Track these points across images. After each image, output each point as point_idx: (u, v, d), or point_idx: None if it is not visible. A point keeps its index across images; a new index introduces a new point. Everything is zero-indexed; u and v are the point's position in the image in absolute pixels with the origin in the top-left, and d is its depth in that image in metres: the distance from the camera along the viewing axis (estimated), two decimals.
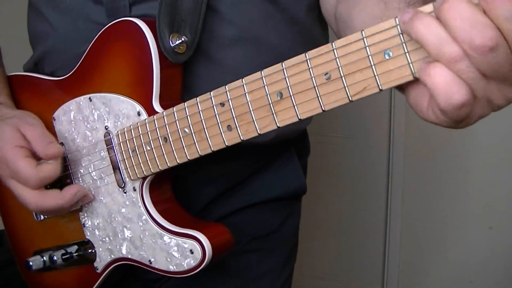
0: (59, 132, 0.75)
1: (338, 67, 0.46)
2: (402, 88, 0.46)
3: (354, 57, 0.45)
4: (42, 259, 0.76)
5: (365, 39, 0.44)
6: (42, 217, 0.80)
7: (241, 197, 0.79)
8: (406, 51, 0.42)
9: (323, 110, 0.49)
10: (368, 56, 0.44)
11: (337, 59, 0.46)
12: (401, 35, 0.42)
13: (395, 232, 2.07)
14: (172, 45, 0.63)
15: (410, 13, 0.41)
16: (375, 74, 0.44)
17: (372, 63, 0.44)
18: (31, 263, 0.77)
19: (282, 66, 0.50)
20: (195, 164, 0.63)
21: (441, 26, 0.39)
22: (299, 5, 0.74)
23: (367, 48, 0.44)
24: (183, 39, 0.63)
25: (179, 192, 0.72)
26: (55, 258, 0.75)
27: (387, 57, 0.43)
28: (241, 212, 0.78)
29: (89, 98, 0.70)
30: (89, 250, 0.75)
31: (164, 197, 0.70)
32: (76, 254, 0.75)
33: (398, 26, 0.42)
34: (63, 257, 0.75)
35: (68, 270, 0.79)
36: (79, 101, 0.71)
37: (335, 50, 0.46)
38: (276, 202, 0.82)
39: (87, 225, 0.74)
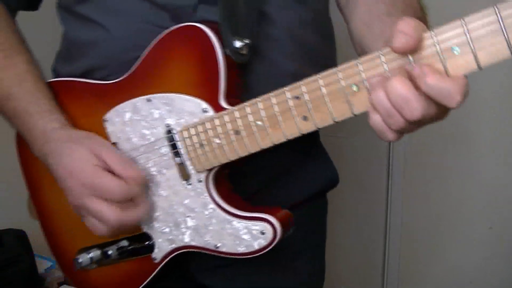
0: (111, 133, 0.82)
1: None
2: None
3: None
4: (91, 255, 0.83)
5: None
6: None
7: (289, 193, 0.89)
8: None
9: None
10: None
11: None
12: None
13: (395, 232, 2.12)
14: (236, 46, 0.72)
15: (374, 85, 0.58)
16: None
17: None
18: (80, 261, 0.83)
19: (357, 62, 0.60)
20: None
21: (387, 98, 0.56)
22: (323, 5, 0.87)
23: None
24: (245, 41, 0.72)
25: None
26: (110, 252, 0.83)
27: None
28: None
29: (147, 99, 0.77)
30: (146, 242, 0.83)
31: (226, 187, 0.79)
32: (132, 247, 0.83)
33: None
34: (119, 250, 0.83)
35: (119, 265, 0.86)
36: (135, 102, 0.79)
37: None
38: (316, 196, 0.96)
39: (145, 219, 0.81)
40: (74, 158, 0.76)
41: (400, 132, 0.60)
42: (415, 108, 0.55)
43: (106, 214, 0.75)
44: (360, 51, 0.77)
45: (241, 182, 0.82)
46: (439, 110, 0.56)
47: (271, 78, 0.78)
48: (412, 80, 0.55)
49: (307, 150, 0.92)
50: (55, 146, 0.79)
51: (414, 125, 0.58)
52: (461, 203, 1.96)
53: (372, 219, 2.17)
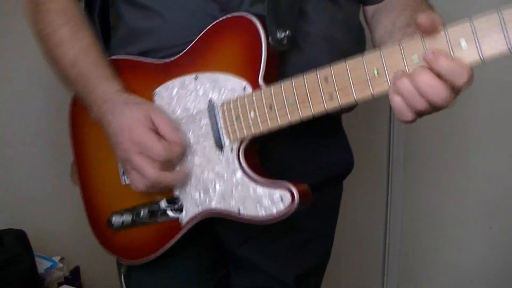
0: (159, 105, 0.95)
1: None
2: None
3: None
4: (123, 217, 0.95)
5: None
6: (128, 181, 0.98)
7: (310, 173, 1.01)
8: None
9: None
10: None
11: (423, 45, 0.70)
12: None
13: (395, 232, 2.15)
14: (279, 37, 0.86)
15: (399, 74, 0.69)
16: None
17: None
18: (113, 221, 0.96)
19: (380, 50, 0.73)
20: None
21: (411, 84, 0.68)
22: (355, 10, 1.02)
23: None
24: (286, 33, 0.86)
25: None
26: (141, 214, 0.94)
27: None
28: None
29: (195, 76, 0.91)
30: (175, 206, 0.94)
31: (254, 159, 0.91)
32: (162, 209, 0.94)
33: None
34: (150, 212, 0.94)
35: (147, 227, 0.97)
36: (183, 79, 0.92)
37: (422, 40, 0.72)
38: (333, 180, 1.09)
39: (178, 184, 0.93)
40: (129, 117, 0.89)
41: (419, 114, 0.71)
42: (439, 92, 0.67)
43: (147, 170, 0.87)
44: None
45: (264, 165, 0.93)
46: (452, 93, 0.69)
47: (303, 69, 0.91)
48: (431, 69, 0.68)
49: (329, 133, 1.05)
50: (113, 105, 0.91)
51: (433, 108, 0.70)
52: (461, 203, 1.99)
53: (372, 219, 2.19)
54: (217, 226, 1.03)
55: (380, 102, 2.16)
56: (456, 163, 2.00)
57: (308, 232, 1.08)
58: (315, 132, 0.98)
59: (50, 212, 1.86)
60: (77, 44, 0.97)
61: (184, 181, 0.93)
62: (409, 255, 2.15)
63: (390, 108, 2.31)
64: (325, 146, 1.05)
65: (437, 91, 0.67)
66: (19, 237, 1.65)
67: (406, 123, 0.73)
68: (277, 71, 0.88)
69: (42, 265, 1.73)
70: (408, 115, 0.71)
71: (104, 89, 0.93)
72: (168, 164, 0.90)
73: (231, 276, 1.13)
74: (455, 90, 0.68)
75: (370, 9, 1.03)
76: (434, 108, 0.70)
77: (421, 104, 0.69)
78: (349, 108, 1.04)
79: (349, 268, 2.29)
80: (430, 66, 0.67)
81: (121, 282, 1.11)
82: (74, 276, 1.82)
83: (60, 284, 1.72)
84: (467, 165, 1.98)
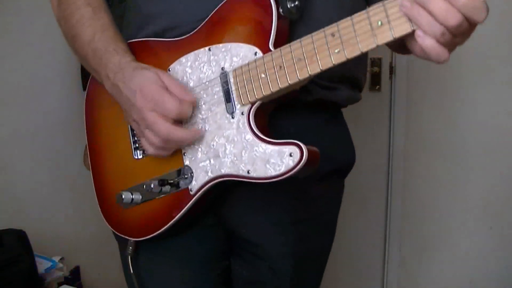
0: None
1: None
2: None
3: None
4: (132, 195, 0.99)
5: None
6: (140, 155, 1.04)
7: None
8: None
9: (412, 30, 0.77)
10: None
11: None
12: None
13: (395, 232, 2.19)
14: (289, 6, 0.91)
15: (407, 1, 0.72)
16: None
17: None
18: (123, 197, 0.99)
19: (382, 3, 0.77)
20: (274, 119, 0.92)
21: (427, 13, 0.71)
22: (360, 5, 1.06)
23: None
24: (296, 3, 0.92)
25: None
26: (152, 186, 0.98)
27: None
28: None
29: (209, 48, 0.97)
30: (185, 176, 0.98)
31: (264, 123, 0.95)
32: (171, 180, 0.99)
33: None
34: (160, 182, 0.98)
35: (156, 201, 1.01)
36: (197, 52, 0.98)
37: None
38: (338, 173, 1.14)
39: (188, 153, 0.98)
40: (143, 78, 0.94)
41: (450, 46, 0.75)
42: (456, 16, 0.70)
43: (159, 126, 0.92)
44: None
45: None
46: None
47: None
48: None
49: (332, 124, 1.11)
50: (123, 74, 0.97)
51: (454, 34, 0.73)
52: (461, 203, 2.03)
53: (372, 219, 2.22)
54: (221, 209, 1.07)
55: (380, 101, 2.21)
56: (456, 163, 2.03)
57: (309, 222, 1.12)
58: (319, 121, 1.05)
59: (50, 212, 1.89)
60: (96, 22, 1.03)
61: (195, 139, 0.97)
62: (408, 255, 2.18)
63: (390, 107, 2.33)
64: (329, 136, 1.09)
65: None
66: (19, 237, 1.66)
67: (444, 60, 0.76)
68: (287, 40, 0.93)
69: (42, 265, 1.75)
70: (444, 53, 0.75)
71: (117, 61, 0.98)
72: (180, 125, 0.95)
73: (232, 269, 1.16)
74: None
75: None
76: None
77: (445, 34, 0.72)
78: (354, 99, 1.10)
79: (349, 268, 2.32)
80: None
81: (127, 263, 1.12)
82: (74, 276, 1.84)
83: (60, 284, 1.74)
84: (467, 165, 2.02)
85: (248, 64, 0.92)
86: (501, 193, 1.98)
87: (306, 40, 0.86)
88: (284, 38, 0.93)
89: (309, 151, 0.88)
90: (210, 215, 1.08)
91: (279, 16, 0.91)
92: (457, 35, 0.74)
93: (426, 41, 0.74)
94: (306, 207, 1.09)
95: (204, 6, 0.98)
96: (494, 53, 1.97)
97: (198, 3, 1.00)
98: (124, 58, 0.99)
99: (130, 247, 1.10)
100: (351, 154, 1.16)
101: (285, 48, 0.88)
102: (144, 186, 1.00)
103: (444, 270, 2.12)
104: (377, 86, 2.34)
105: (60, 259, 1.79)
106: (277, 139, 0.90)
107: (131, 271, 1.11)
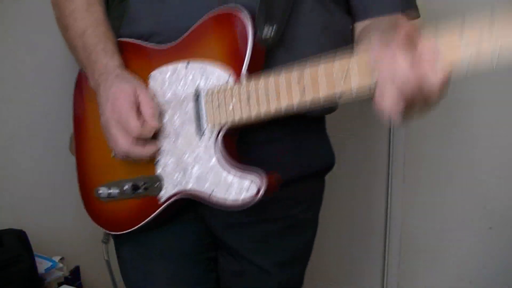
0: (152, 87, 1.02)
1: None
2: None
3: None
4: (110, 189, 1.04)
5: None
6: None
7: (288, 168, 1.06)
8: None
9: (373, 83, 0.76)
10: None
11: None
12: None
13: (395, 232, 2.16)
14: (265, 33, 0.92)
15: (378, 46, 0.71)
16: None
17: None
18: (100, 191, 1.04)
19: (350, 54, 0.78)
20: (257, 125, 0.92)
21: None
22: (347, 22, 1.07)
23: None
24: (273, 27, 0.92)
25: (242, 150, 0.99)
26: (125, 188, 1.02)
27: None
28: (289, 184, 1.05)
29: (187, 63, 0.98)
30: (157, 184, 1.01)
31: (232, 147, 0.97)
32: (144, 186, 1.02)
33: None
34: (133, 186, 1.01)
35: (129, 201, 1.05)
36: (177, 65, 0.99)
37: None
38: (316, 175, 1.15)
39: (160, 163, 1.01)
40: (119, 90, 0.97)
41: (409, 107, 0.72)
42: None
43: (120, 141, 0.96)
44: None
45: (245, 158, 0.99)
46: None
47: (289, 63, 0.97)
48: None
49: (311, 133, 1.11)
50: (106, 77, 1.00)
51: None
52: (461, 203, 2.00)
53: (372, 219, 2.20)
54: (203, 211, 1.10)
55: None
56: (456, 163, 2.02)
57: (290, 220, 1.14)
58: (298, 130, 1.06)
59: (50, 212, 1.90)
60: (88, 16, 1.06)
61: (165, 161, 1.01)
62: (409, 255, 2.16)
63: None
64: (306, 145, 1.10)
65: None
66: (19, 237, 1.68)
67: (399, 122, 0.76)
68: (263, 66, 0.95)
69: (42, 265, 1.76)
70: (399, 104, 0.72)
71: (105, 62, 1.01)
72: (140, 141, 0.98)
73: (218, 261, 1.20)
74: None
75: (358, 27, 1.06)
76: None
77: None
78: (330, 109, 1.10)
79: (349, 268, 2.32)
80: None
81: (103, 249, 1.20)
82: (74, 276, 1.86)
83: (60, 284, 1.75)
84: (467, 165, 2.00)
85: (220, 87, 0.93)
86: (501, 193, 1.96)
87: (276, 76, 0.87)
88: (260, 63, 0.95)
89: (268, 182, 0.90)
90: (190, 211, 1.10)
91: (254, 42, 0.92)
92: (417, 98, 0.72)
93: (387, 90, 0.73)
94: (285, 208, 1.12)
95: (189, 16, 1.00)
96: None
97: (183, 11, 1.02)
98: (112, 61, 1.02)
99: (105, 235, 1.17)
100: (330, 159, 1.17)
101: (257, 80, 0.89)
102: (120, 186, 1.04)
103: (444, 270, 2.11)
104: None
105: (60, 259, 1.80)
106: (247, 153, 0.96)
107: (105, 258, 1.19)
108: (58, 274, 1.77)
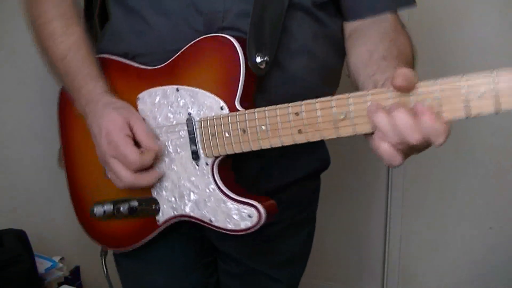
0: (141, 110, 1.01)
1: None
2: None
3: None
4: (104, 208, 1.01)
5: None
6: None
7: (285, 173, 1.07)
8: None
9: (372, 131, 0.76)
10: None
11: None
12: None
13: (395, 232, 2.18)
14: (257, 62, 0.91)
15: (374, 107, 0.72)
16: None
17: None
18: (95, 211, 1.01)
19: (348, 96, 0.77)
20: None
21: (389, 122, 0.70)
22: (337, 25, 1.06)
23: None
24: (266, 58, 0.91)
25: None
26: (121, 208, 1.00)
27: None
28: (285, 189, 1.06)
29: (177, 88, 0.97)
30: (153, 206, 1.01)
31: (228, 174, 0.97)
32: (141, 207, 1.01)
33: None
34: (129, 208, 1.00)
35: (126, 220, 1.05)
36: (166, 89, 0.98)
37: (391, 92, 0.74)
38: (310, 177, 1.14)
39: (156, 186, 1.01)
40: (111, 122, 0.95)
41: (403, 153, 0.74)
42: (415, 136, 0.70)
43: (122, 176, 0.95)
44: (352, 80, 0.96)
45: (242, 166, 1.00)
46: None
47: (286, 86, 0.97)
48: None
49: None
50: (94, 107, 0.98)
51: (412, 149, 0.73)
52: (461, 203, 2.02)
53: (372, 219, 2.22)
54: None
55: None
56: (456, 163, 2.02)
57: (286, 221, 1.15)
58: None
59: (50, 212, 1.91)
60: (67, 38, 1.02)
61: (162, 184, 1.00)
62: (409, 255, 2.18)
63: None
64: (302, 147, 1.09)
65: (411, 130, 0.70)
66: (19, 237, 1.68)
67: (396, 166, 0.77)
68: (254, 93, 0.94)
69: (42, 265, 1.76)
70: (398, 158, 0.74)
71: (90, 89, 0.99)
72: (143, 170, 0.97)
73: (218, 263, 1.22)
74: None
75: (348, 27, 1.05)
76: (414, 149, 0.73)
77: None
78: None
79: (349, 268, 2.33)
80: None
81: (102, 263, 1.20)
82: (74, 276, 1.87)
83: (60, 284, 1.76)
84: (467, 165, 2.00)
85: (214, 118, 0.92)
86: (501, 193, 1.97)
87: (271, 111, 0.86)
88: (251, 92, 0.94)
89: (267, 211, 0.91)
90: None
91: (247, 71, 0.91)
92: (414, 149, 0.74)
93: (382, 145, 0.74)
94: (281, 212, 1.11)
95: (174, 38, 0.98)
96: (495, 53, 1.93)
97: (168, 34, 1.00)
98: (97, 87, 1.00)
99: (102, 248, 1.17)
100: (325, 158, 1.17)
101: (250, 113, 0.88)
102: (115, 207, 1.02)
103: (444, 270, 2.13)
104: None
105: (60, 259, 1.81)
106: (243, 162, 0.95)
107: (104, 273, 1.19)
108: (58, 274, 1.78)
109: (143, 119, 1.00)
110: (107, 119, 0.95)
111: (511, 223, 1.96)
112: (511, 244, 1.97)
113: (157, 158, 0.99)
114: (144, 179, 0.96)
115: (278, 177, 1.02)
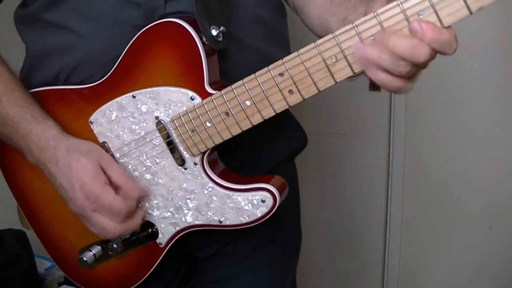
0: (99, 134, 0.88)
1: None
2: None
3: None
4: (94, 252, 0.89)
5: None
6: None
7: (268, 157, 0.99)
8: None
9: None
10: None
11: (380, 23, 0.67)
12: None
13: (395, 232, 2.19)
14: (214, 35, 0.79)
15: (364, 45, 0.66)
16: None
17: None
18: (85, 259, 0.89)
19: (334, 35, 0.69)
20: None
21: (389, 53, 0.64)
22: None
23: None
24: (221, 29, 0.80)
25: None
26: (114, 245, 0.89)
27: None
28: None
29: (132, 95, 0.84)
30: (150, 230, 0.90)
31: (220, 165, 0.87)
32: (136, 237, 0.90)
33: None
34: (123, 242, 0.89)
35: (124, 256, 0.93)
36: (120, 100, 0.85)
37: (377, 16, 0.67)
38: (291, 158, 1.07)
39: (144, 209, 0.89)
40: (82, 171, 0.82)
41: (409, 77, 0.68)
42: (424, 50, 0.64)
43: (110, 229, 0.84)
44: (319, 33, 0.89)
45: (226, 157, 0.90)
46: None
47: (244, 60, 0.87)
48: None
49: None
50: (54, 155, 0.84)
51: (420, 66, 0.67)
52: (461, 203, 2.04)
53: (372, 219, 2.24)
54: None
55: (380, 100, 2.12)
56: (456, 163, 2.02)
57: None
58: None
59: None
60: None
61: (150, 204, 0.90)
62: (409, 255, 2.21)
63: (390, 108, 2.32)
64: (275, 127, 1.00)
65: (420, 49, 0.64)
66: (19, 237, 1.69)
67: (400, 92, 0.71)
68: (218, 71, 0.84)
69: (42, 265, 1.78)
70: (397, 83, 0.68)
71: (39, 134, 0.85)
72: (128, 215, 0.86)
73: (196, 277, 1.11)
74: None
75: None
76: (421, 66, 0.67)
77: (405, 67, 0.66)
78: None
79: (349, 268, 2.35)
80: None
81: None
82: None
83: (60, 284, 1.66)
84: (467, 165, 2.01)
85: (187, 112, 0.81)
86: (501, 193, 1.99)
87: (250, 82, 0.76)
88: (217, 70, 0.83)
89: (279, 189, 0.83)
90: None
91: (205, 48, 0.79)
92: (421, 68, 0.67)
93: (377, 74, 0.68)
94: None
95: (113, 42, 0.85)
96: (495, 52, 1.87)
97: (104, 39, 0.86)
98: (46, 130, 0.85)
99: None
100: (301, 137, 1.09)
101: (228, 92, 0.78)
102: (106, 246, 0.90)
103: (444, 270, 2.17)
104: (377, 86, 2.16)
105: None
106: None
107: None
108: (58, 274, 1.77)
109: (104, 142, 0.89)
110: (76, 168, 0.82)
111: (511, 223, 1.98)
112: (511, 244, 2.00)
113: (137, 180, 0.88)
114: (133, 223, 0.86)
115: (263, 163, 0.94)
